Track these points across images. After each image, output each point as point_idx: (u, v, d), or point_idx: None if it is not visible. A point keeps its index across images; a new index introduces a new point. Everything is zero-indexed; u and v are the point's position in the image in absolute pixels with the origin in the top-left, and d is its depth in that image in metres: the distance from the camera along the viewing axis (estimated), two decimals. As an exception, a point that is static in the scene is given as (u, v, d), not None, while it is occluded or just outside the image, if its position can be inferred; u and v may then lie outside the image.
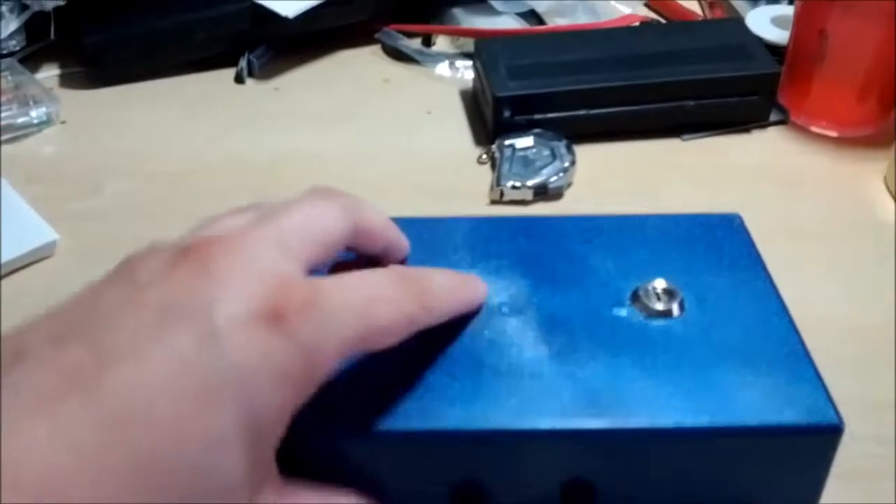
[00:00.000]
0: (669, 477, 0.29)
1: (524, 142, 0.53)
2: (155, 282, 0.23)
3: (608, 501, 0.30)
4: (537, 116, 0.54)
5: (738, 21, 0.62)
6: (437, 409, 0.28)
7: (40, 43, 0.64)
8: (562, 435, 0.28)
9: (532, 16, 0.69)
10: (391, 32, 0.66)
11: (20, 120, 0.57)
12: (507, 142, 0.53)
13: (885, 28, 0.51)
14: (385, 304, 0.26)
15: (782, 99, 0.57)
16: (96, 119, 0.59)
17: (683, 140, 0.56)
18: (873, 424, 0.38)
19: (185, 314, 0.22)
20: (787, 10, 0.60)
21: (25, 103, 0.58)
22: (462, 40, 0.67)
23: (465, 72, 0.63)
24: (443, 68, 0.64)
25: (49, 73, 0.64)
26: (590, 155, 0.53)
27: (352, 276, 0.26)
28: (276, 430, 0.24)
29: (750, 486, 0.30)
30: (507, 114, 0.54)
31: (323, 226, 0.27)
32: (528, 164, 0.51)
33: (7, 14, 0.62)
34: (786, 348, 0.31)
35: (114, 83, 0.63)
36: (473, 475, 0.29)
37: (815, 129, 0.57)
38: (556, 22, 0.67)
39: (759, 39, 0.59)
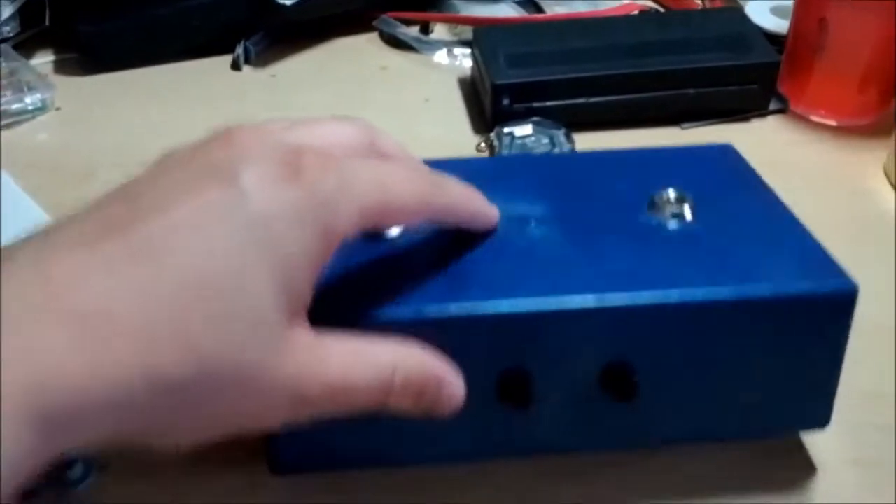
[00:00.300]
0: (701, 354, 0.31)
1: (523, 130, 0.52)
2: (185, 159, 0.26)
3: (646, 386, 0.31)
4: (536, 105, 0.54)
5: (738, 10, 0.62)
6: (478, 295, 0.30)
7: (35, 29, 0.64)
8: (601, 314, 0.30)
9: (531, 4, 0.69)
10: (389, 20, 0.66)
11: (15, 106, 0.57)
12: (506, 130, 0.52)
13: (885, 18, 0.51)
14: (402, 182, 0.28)
15: (782, 88, 0.57)
16: (91, 106, 0.59)
17: (683, 129, 0.56)
18: (872, 414, 0.38)
19: (213, 175, 0.24)
20: (787, 0, 0.60)
21: (20, 90, 0.57)
22: (460, 28, 0.67)
23: (464, 60, 0.63)
24: (441, 56, 0.64)
25: (44, 60, 0.63)
26: (589, 143, 0.53)
27: (371, 158, 0.29)
28: (303, 277, 0.25)
29: (776, 360, 0.32)
30: (505, 102, 0.54)
31: (339, 133, 0.29)
32: (527, 153, 0.51)
33: (1, 0, 0.61)
34: (794, 236, 0.34)
35: (109, 70, 0.62)
36: (518, 362, 0.30)
37: (814, 118, 0.56)
38: (554, 10, 0.67)
39: (759, 29, 0.58)
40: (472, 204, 0.32)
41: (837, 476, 0.36)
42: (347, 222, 0.26)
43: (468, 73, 0.61)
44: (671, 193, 0.35)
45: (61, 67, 0.63)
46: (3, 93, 0.57)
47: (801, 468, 0.36)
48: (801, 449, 0.37)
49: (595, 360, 0.31)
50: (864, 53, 0.54)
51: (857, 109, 0.56)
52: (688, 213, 0.34)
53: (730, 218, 0.34)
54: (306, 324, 0.26)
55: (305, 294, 0.25)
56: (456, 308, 0.30)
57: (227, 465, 0.36)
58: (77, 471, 0.35)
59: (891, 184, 0.51)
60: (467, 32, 0.64)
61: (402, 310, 0.29)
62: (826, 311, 0.31)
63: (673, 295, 0.30)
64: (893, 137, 0.52)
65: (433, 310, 0.30)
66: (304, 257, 0.25)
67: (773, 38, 0.58)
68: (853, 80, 0.55)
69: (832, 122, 0.56)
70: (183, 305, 0.22)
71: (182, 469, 0.36)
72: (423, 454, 0.33)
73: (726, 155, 0.39)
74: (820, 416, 0.33)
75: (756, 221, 0.34)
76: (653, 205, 0.35)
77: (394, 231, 0.32)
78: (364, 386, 0.27)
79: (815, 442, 0.37)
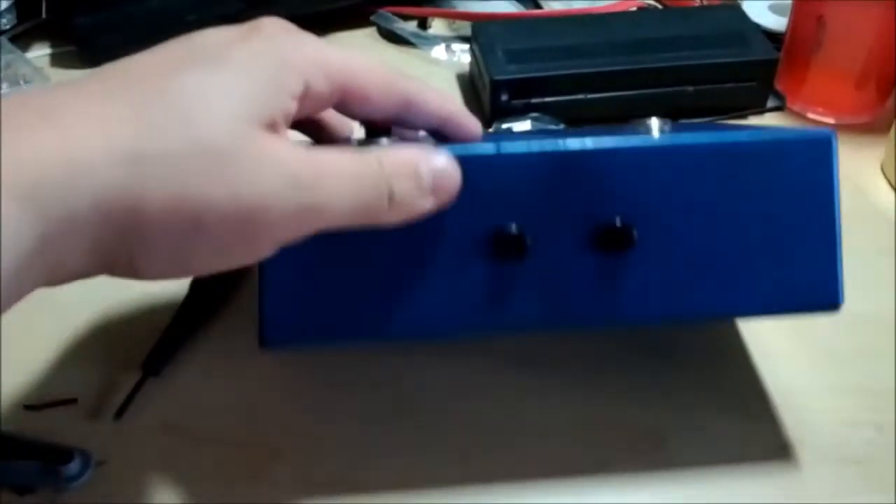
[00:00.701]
0: (692, 205, 0.32)
1: (521, 126, 0.52)
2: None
3: (641, 239, 0.32)
4: (534, 100, 0.54)
5: (736, 7, 0.62)
6: (472, 148, 0.32)
7: (32, 21, 0.63)
8: (594, 157, 0.31)
9: (529, 0, 0.68)
10: (387, 15, 0.66)
11: (11, 99, 0.56)
12: (505, 125, 0.52)
13: (883, 15, 0.51)
14: (368, 63, 0.30)
15: (779, 85, 0.57)
16: (88, 99, 0.58)
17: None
18: (872, 411, 0.38)
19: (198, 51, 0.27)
20: (786, -3, 0.60)
21: (16, 82, 0.57)
22: (458, 23, 0.66)
23: (462, 55, 0.63)
24: (439, 51, 0.64)
25: (40, 53, 0.63)
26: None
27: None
28: (277, 99, 0.27)
29: (769, 218, 0.32)
30: (504, 97, 0.53)
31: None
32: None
33: (-3, -8, 0.61)
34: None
35: (105, 63, 0.61)
36: (511, 213, 0.31)
37: (811, 115, 0.56)
38: (553, 6, 0.67)
39: (757, 26, 0.58)
40: (447, 104, 0.33)
41: (837, 474, 0.36)
42: (312, 70, 0.28)
43: (466, 68, 0.61)
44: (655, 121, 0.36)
45: (58, 60, 0.62)
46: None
47: (800, 466, 0.36)
48: (800, 446, 0.37)
49: (588, 211, 0.32)
50: (862, 51, 0.53)
51: (855, 107, 0.56)
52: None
53: None
54: (284, 142, 0.27)
55: (275, 112, 0.27)
56: (448, 150, 0.30)
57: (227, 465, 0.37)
58: (74, 467, 0.35)
59: (888, 181, 0.51)
60: (466, 28, 0.63)
61: None
62: (806, 154, 0.32)
63: (661, 139, 0.32)
64: (891, 135, 0.52)
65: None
66: (273, 87, 0.27)
67: (772, 36, 0.58)
68: (851, 78, 0.55)
69: (829, 120, 0.56)
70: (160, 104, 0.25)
71: (182, 472, 0.36)
72: (413, 325, 0.32)
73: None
74: (829, 293, 0.33)
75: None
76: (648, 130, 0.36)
77: (384, 141, 0.32)
78: (352, 168, 0.28)
79: (815, 440, 0.37)
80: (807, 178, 0.33)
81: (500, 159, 0.31)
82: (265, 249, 0.27)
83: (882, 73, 0.54)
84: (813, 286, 0.33)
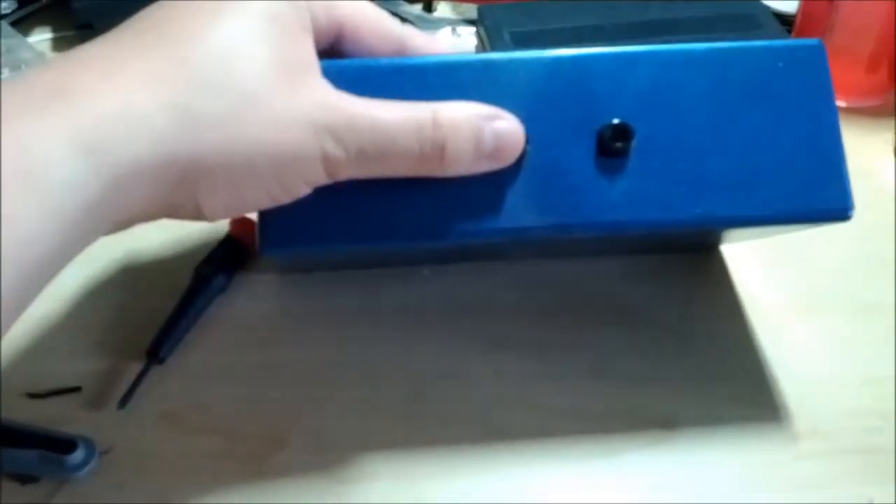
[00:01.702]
0: (690, 110, 0.33)
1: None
2: None
3: (643, 148, 0.32)
4: (541, 84, 0.53)
5: (747, -11, 0.61)
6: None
7: (32, 6, 0.63)
8: (591, 62, 0.33)
9: (535, -18, 0.67)
10: (391, -3, 0.65)
11: (12, 84, 0.56)
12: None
13: (895, -2, 0.50)
14: (363, 5, 0.32)
15: (790, 69, 0.56)
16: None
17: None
18: (874, 399, 0.38)
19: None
20: (796, -21, 0.59)
21: (17, 67, 0.56)
22: (464, 6, 0.66)
23: (468, 38, 0.62)
24: (444, 34, 0.63)
25: (41, 37, 0.62)
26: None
27: None
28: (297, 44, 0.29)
29: (766, 121, 0.33)
30: (510, 81, 0.53)
31: None
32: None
33: (-2, -24, 0.60)
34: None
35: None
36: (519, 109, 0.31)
37: (822, 99, 0.56)
38: (559, -12, 0.66)
39: (768, 8, 0.57)
40: (437, 46, 0.34)
41: (843, 462, 0.36)
42: (315, 5, 0.30)
43: (472, 51, 0.60)
44: None
45: (59, 45, 0.62)
46: (0, 70, 0.56)
47: (807, 454, 0.36)
48: (808, 434, 0.37)
49: (587, 116, 0.32)
50: (873, 34, 0.53)
51: (866, 90, 0.55)
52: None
53: None
54: (322, 83, 0.29)
55: (306, 60, 0.29)
56: (448, 58, 0.32)
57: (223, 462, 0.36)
58: (77, 456, 0.34)
59: (900, 166, 0.51)
60: (471, 11, 0.63)
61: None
62: (798, 60, 0.34)
63: (657, 48, 0.33)
64: (903, 119, 0.51)
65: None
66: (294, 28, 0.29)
67: (783, 19, 0.57)
68: (862, 61, 0.54)
69: (841, 104, 0.55)
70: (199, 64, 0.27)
71: (186, 461, 0.36)
72: (413, 229, 0.32)
73: None
74: (837, 200, 0.33)
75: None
76: None
77: None
78: (397, 122, 0.29)
79: (822, 428, 0.37)
80: (801, 84, 0.33)
81: (498, 65, 0.32)
82: (299, 190, 0.29)
83: (893, 56, 0.53)
84: (821, 193, 0.33)
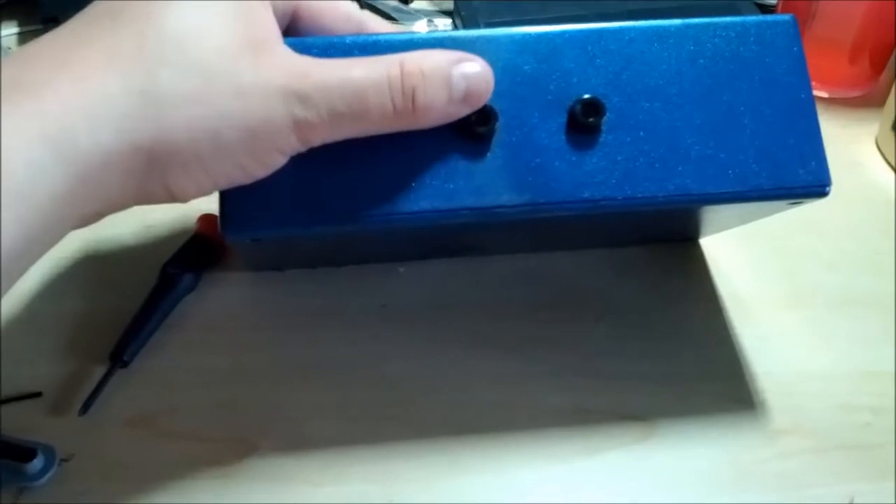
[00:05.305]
0: (661, 86, 0.32)
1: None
2: None
3: (616, 123, 0.32)
4: (519, 76, 0.52)
5: (727, -22, 0.60)
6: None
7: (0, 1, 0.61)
8: (564, 39, 0.32)
9: (513, -27, 0.66)
10: (367, -11, 0.64)
11: (-24, 80, 0.54)
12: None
13: (876, -13, 0.50)
14: None
15: (771, 59, 0.56)
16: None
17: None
18: (869, 396, 0.37)
19: None
20: (777, -32, 0.58)
21: (-19, 63, 0.55)
22: (441, -2, 0.65)
23: (444, 30, 0.61)
24: (421, 26, 0.62)
25: (8, 32, 0.61)
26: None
27: None
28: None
29: (739, 96, 0.33)
30: (487, 74, 0.52)
31: None
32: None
33: (-38, -31, 0.59)
34: None
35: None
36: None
37: (804, 90, 0.55)
38: (537, -21, 0.65)
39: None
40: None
41: (834, 459, 0.35)
42: None
43: (449, 44, 0.60)
44: None
45: (26, 40, 0.61)
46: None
47: (796, 451, 0.35)
48: (797, 430, 0.36)
49: (559, 92, 0.32)
50: (855, 23, 0.52)
51: (849, 81, 0.54)
52: None
53: None
54: (286, 50, 0.28)
55: (267, 31, 0.28)
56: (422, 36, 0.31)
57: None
58: (37, 464, 0.33)
59: (882, 156, 0.50)
60: (448, 2, 0.62)
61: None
62: (771, 35, 0.33)
63: (628, 24, 0.33)
64: (885, 109, 0.51)
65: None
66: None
67: (764, 8, 0.56)
68: (844, 51, 0.53)
69: (823, 94, 0.55)
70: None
71: (151, 468, 0.35)
72: (378, 210, 0.31)
73: None
74: (814, 175, 0.32)
75: None
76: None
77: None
78: (366, 78, 0.28)
79: (811, 424, 0.36)
80: (774, 60, 0.33)
81: (468, 41, 0.31)
82: (274, 160, 0.29)
83: (876, 46, 0.53)
84: (797, 169, 0.32)
